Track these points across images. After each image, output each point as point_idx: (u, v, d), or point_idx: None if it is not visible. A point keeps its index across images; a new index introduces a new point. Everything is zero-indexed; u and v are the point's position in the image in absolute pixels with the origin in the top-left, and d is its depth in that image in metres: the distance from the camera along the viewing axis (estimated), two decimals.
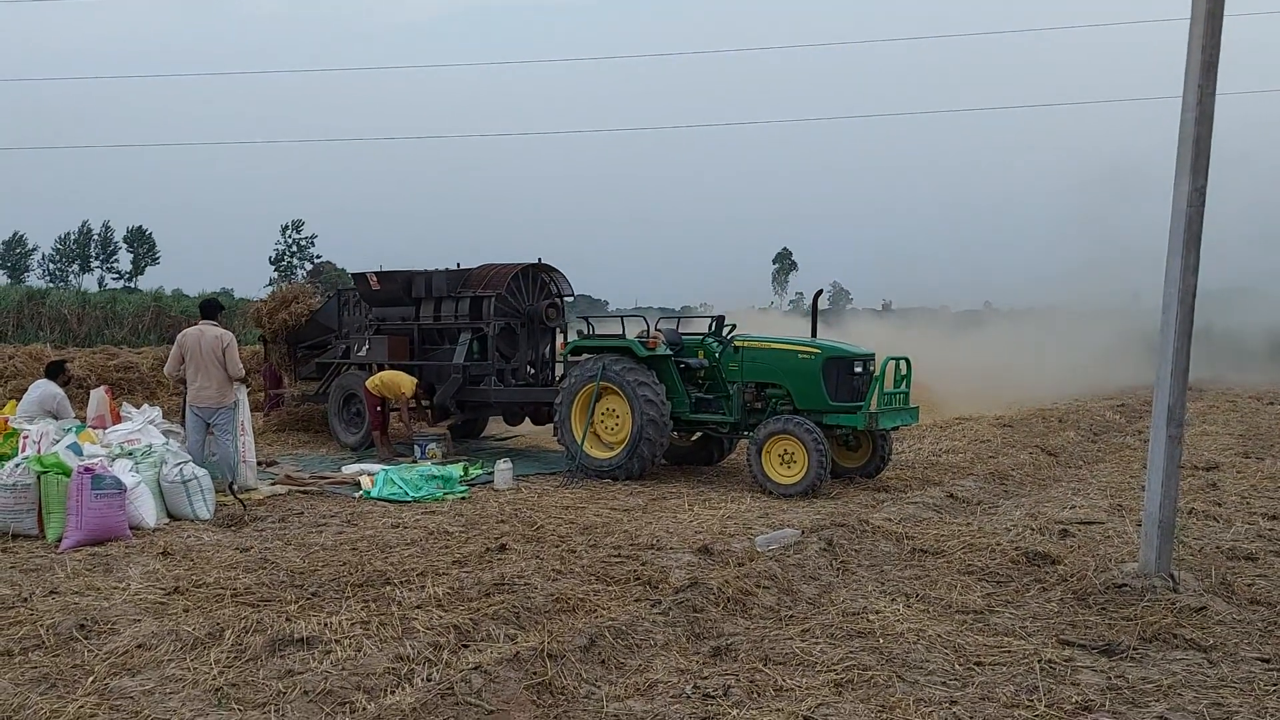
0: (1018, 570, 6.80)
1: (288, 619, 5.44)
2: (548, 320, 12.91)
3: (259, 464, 11.22)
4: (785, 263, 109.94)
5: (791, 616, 5.72)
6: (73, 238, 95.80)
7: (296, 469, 11.18)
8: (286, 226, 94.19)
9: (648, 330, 10.96)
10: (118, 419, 9.83)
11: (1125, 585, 6.07)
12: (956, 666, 4.88)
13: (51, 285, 75.01)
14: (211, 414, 9.48)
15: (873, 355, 10.19)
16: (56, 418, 9.94)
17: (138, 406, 9.93)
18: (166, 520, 8.24)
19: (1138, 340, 26.49)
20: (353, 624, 5.36)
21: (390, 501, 9.32)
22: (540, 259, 12.94)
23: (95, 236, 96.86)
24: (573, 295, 13.39)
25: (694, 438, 11.75)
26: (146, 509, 7.99)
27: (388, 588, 6.15)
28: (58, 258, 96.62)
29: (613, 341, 10.87)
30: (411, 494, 9.46)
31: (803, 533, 7.61)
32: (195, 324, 9.90)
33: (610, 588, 6.25)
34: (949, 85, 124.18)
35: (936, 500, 9.16)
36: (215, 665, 4.78)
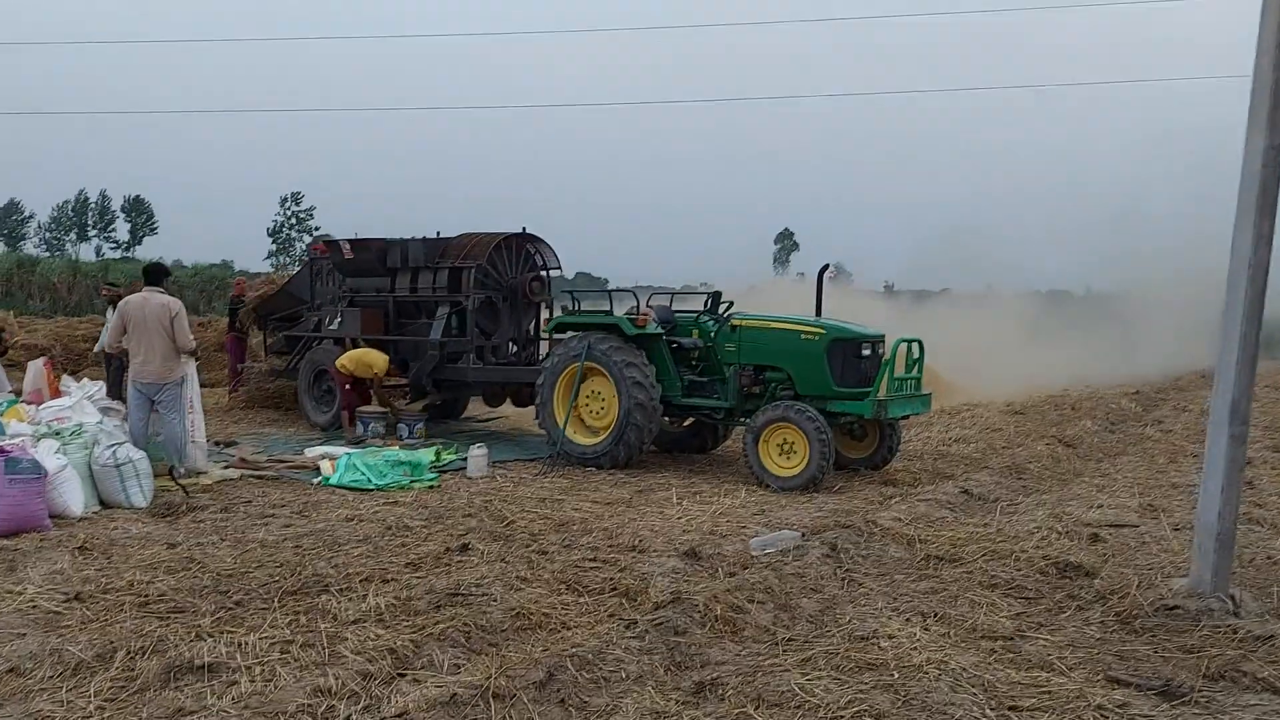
0: (1047, 584, 5.98)
1: (196, 636, 4.62)
2: (531, 295, 12.03)
3: (216, 444, 10.44)
4: (787, 243, 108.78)
5: (790, 640, 4.90)
6: (70, 206, 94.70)
7: (255, 450, 10.34)
8: (285, 198, 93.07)
9: (637, 307, 10.10)
10: (57, 393, 9.00)
11: (1177, 607, 5.25)
12: (988, 711, 4.06)
13: (47, 254, 74.01)
14: (157, 390, 8.62)
15: (882, 337, 9.34)
16: None
17: (76, 379, 9.10)
18: (97, 508, 7.43)
19: (1147, 325, 25.67)
20: (271, 644, 4.54)
21: (351, 489, 8.50)
22: (525, 228, 12.06)
23: (92, 205, 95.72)
24: (559, 268, 12.50)
25: (686, 423, 10.91)
26: (72, 495, 7.17)
27: (324, 596, 5.32)
28: (54, 226, 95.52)
29: (599, 318, 10.01)
30: (375, 482, 8.63)
31: (803, 535, 6.79)
32: (139, 290, 9.05)
33: (581, 600, 5.43)
34: (952, 63, 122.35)
35: (950, 497, 8.34)
36: (94, 697, 3.96)
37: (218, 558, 6.11)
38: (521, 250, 12.13)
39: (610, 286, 11.86)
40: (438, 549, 6.44)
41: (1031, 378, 20.47)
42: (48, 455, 7.19)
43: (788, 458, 8.83)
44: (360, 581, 5.61)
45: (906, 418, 9.53)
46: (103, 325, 14.29)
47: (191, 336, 8.90)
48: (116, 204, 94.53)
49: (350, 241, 12.39)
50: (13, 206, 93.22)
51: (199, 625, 4.80)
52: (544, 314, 12.38)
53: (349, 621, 4.92)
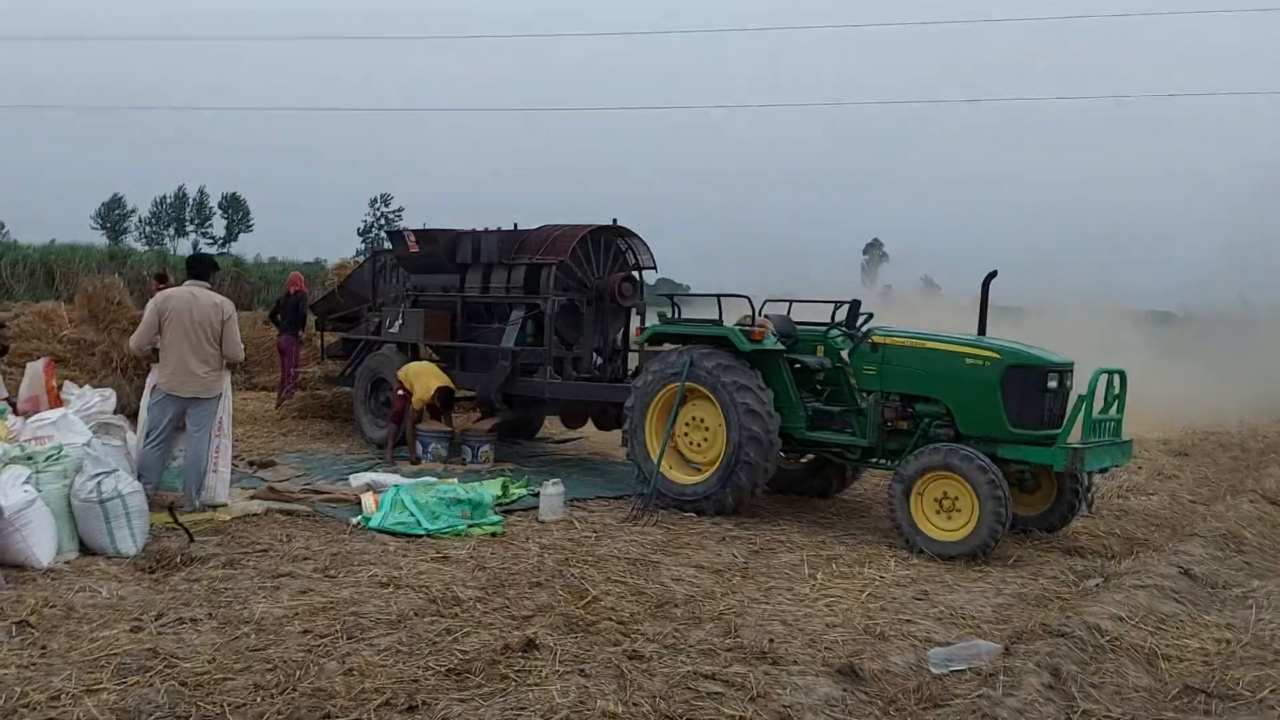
0: None
1: None
2: (622, 298, 10.22)
3: (250, 464, 8.95)
4: (876, 253, 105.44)
5: None
6: (169, 201, 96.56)
7: (294, 473, 8.78)
8: (375, 200, 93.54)
9: (752, 316, 8.24)
10: (58, 402, 7.52)
11: None
12: None
13: (147, 248, 75.18)
14: (193, 405, 7.09)
15: (1071, 365, 7.30)
16: None
17: (79, 385, 7.62)
18: (74, 554, 5.87)
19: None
20: None
21: (395, 534, 6.82)
22: (615, 220, 10.28)
23: (191, 201, 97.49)
24: (654, 267, 10.68)
25: (803, 459, 9.00)
26: (40, 539, 5.62)
27: None
28: (154, 221, 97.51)
29: (705, 329, 8.17)
30: (425, 525, 6.94)
31: (1004, 646, 4.84)
32: (182, 284, 7.55)
33: None
34: (1061, 70, 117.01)
35: (1170, 581, 6.28)
36: None
37: (193, 649, 4.44)
38: (611, 246, 10.36)
39: (692, 293, 10.07)
40: (493, 643, 4.68)
41: (1165, 406, 18.07)
42: (13, 486, 5.66)
43: (948, 517, 6.88)
44: (378, 708, 3.88)
45: (1105, 470, 7.48)
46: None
47: (241, 345, 7.40)
48: (215, 200, 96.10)
49: (415, 232, 10.79)
50: (115, 201, 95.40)
51: None
52: (634, 321, 10.60)
53: None
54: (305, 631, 4.76)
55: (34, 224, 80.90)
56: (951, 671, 4.62)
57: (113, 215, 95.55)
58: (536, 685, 4.20)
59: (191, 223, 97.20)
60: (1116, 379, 7.24)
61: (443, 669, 4.35)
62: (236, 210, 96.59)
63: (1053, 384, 7.04)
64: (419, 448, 9.68)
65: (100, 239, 76.21)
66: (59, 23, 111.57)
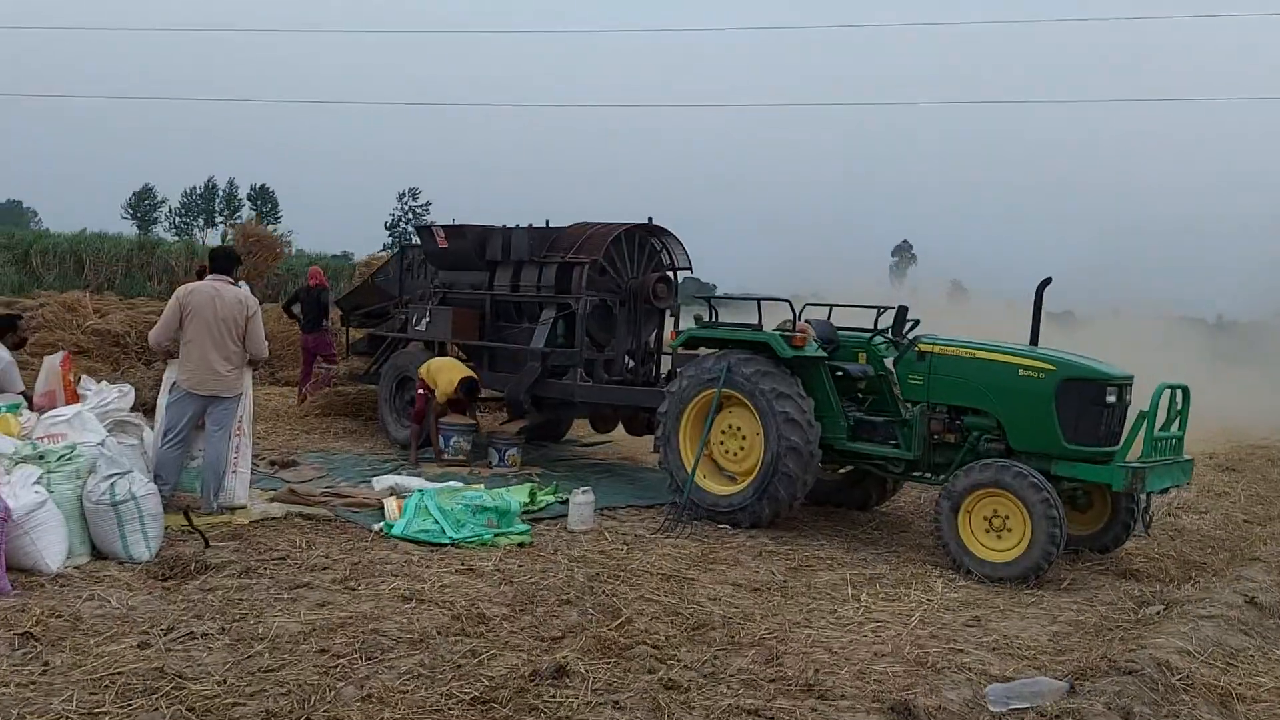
0: None
1: None
2: (656, 299, 9.93)
3: (271, 463, 8.72)
4: (905, 255, 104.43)
5: None
6: (198, 192, 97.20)
7: (315, 474, 8.54)
8: (403, 194, 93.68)
9: (793, 320, 7.91)
10: (74, 398, 7.30)
11: None
12: None
13: (176, 238, 75.67)
14: (215, 404, 6.88)
15: (1130, 379, 6.92)
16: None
17: (98, 380, 7.40)
18: (85, 558, 5.64)
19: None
20: None
21: (418, 543, 6.56)
22: (650, 219, 9.98)
23: (221, 192, 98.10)
24: (689, 267, 10.36)
25: (841, 469, 8.65)
26: (50, 543, 5.39)
27: None
28: (184, 211, 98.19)
29: (744, 334, 7.85)
30: (450, 534, 6.67)
31: (1071, 685, 4.49)
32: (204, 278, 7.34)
33: None
34: (1095, 71, 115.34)
35: (1236, 610, 5.91)
36: None
37: (203, 668, 4.18)
38: (645, 245, 10.05)
39: (730, 295, 9.74)
40: (520, 667, 4.40)
41: (1207, 418, 17.51)
42: (23, 487, 5.44)
43: (999, 537, 6.52)
44: None
45: (1166, 491, 7.09)
46: None
47: (266, 343, 7.19)
48: (244, 192, 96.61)
49: (445, 228, 10.54)
50: (146, 191, 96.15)
51: None
52: (669, 323, 10.31)
53: None
54: (322, 650, 4.49)
55: (66, 213, 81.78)
56: (1012, 710, 4.29)
57: (143, 205, 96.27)
58: (568, 718, 3.92)
59: (221, 214, 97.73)
60: (1179, 394, 6.85)
61: (467, 697, 4.07)
62: (265, 202, 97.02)
63: (1111, 398, 6.66)
64: (441, 441, 9.44)
65: (130, 229, 76.85)
66: (91, 13, 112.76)
